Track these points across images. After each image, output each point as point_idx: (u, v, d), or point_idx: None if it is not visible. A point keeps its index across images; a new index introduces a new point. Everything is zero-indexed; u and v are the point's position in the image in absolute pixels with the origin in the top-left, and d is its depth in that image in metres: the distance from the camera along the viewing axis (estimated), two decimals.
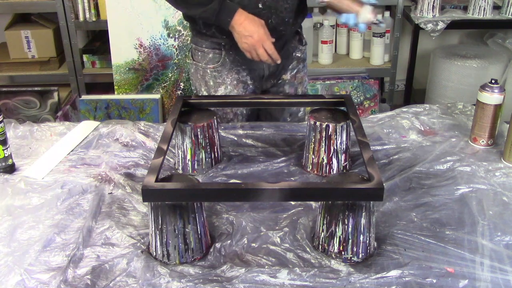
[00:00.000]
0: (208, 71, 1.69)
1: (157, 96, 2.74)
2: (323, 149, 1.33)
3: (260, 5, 1.54)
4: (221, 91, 1.70)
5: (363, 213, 1.03)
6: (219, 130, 1.46)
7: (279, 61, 1.55)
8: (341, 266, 1.03)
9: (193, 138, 1.35)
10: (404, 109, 1.69)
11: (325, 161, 1.34)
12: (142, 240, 1.11)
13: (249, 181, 1.32)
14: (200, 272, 1.02)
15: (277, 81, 1.76)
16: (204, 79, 1.71)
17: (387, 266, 1.03)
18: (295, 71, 1.77)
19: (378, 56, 3.00)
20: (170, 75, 2.74)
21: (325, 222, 1.06)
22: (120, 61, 2.70)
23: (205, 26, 1.61)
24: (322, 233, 1.07)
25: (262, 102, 1.51)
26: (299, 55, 1.76)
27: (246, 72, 1.69)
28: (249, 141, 1.51)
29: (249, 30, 1.49)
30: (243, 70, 1.68)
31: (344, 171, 1.36)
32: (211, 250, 1.08)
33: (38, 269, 1.03)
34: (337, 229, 1.04)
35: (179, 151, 1.38)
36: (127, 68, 2.71)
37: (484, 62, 2.99)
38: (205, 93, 1.73)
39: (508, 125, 1.39)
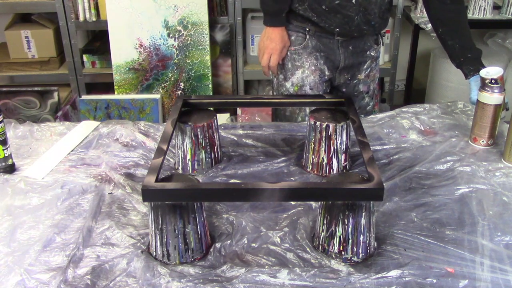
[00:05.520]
0: (288, 53, 1.77)
1: (157, 96, 2.74)
2: (323, 149, 1.33)
3: (353, 0, 1.61)
4: (298, 75, 1.77)
5: (363, 213, 1.03)
6: (219, 130, 1.46)
7: (269, 76, 1.83)
8: (341, 266, 1.03)
9: (193, 138, 1.35)
10: (404, 109, 1.69)
11: (325, 161, 1.34)
12: (142, 240, 1.11)
13: (249, 181, 1.32)
14: (200, 272, 1.02)
15: (352, 80, 1.83)
16: (283, 61, 1.78)
17: (387, 266, 1.03)
18: (368, 70, 1.84)
19: None
20: (170, 75, 2.74)
21: (325, 222, 1.06)
22: (120, 61, 2.71)
23: (299, 1, 1.68)
24: (322, 233, 1.07)
25: (262, 102, 1.51)
26: (373, 54, 1.83)
27: (323, 60, 1.76)
28: (249, 141, 1.51)
29: (273, 38, 1.72)
30: (321, 57, 1.76)
31: (344, 171, 1.36)
32: (211, 250, 1.08)
33: (38, 269, 1.03)
34: (337, 229, 1.04)
35: (179, 151, 1.38)
36: (127, 68, 2.71)
37: (484, 62, 2.98)
38: (281, 77, 1.81)
39: (508, 125, 1.39)
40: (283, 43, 1.74)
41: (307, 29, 1.73)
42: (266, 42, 1.74)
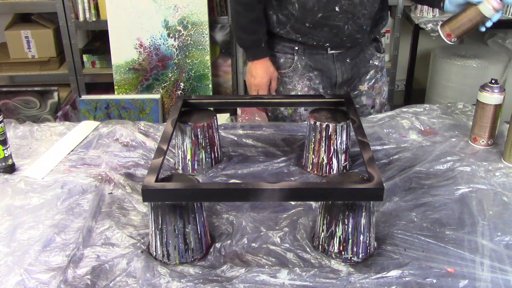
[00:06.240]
0: (279, 76, 1.69)
1: (157, 96, 2.74)
2: (323, 149, 1.33)
3: (337, 8, 1.53)
4: None
5: (363, 213, 1.03)
6: (219, 130, 1.46)
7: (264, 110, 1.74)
8: (341, 266, 1.03)
9: (193, 138, 1.35)
10: (404, 109, 1.69)
11: (325, 161, 1.34)
12: (142, 240, 1.11)
13: (249, 181, 1.32)
14: (200, 272, 1.02)
15: (352, 92, 1.72)
16: (279, 84, 1.71)
17: (387, 266, 1.03)
18: (372, 81, 1.73)
19: None
20: (170, 75, 2.74)
21: (325, 222, 1.06)
22: (120, 61, 2.71)
23: (279, 24, 1.61)
24: (322, 233, 1.07)
25: (262, 102, 1.51)
26: (376, 63, 1.72)
27: (318, 79, 1.67)
28: (249, 141, 1.51)
29: (256, 73, 1.65)
30: (315, 77, 1.67)
31: (344, 171, 1.36)
32: (211, 250, 1.08)
33: (38, 269, 1.03)
34: (337, 229, 1.04)
35: (179, 151, 1.38)
36: (127, 68, 2.71)
37: (484, 62, 2.99)
38: None
39: (508, 125, 1.39)
40: (267, 76, 1.65)
41: (295, 48, 1.64)
42: (250, 80, 1.68)
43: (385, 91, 1.80)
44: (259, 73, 1.66)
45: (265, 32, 1.64)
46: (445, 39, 1.47)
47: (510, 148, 1.37)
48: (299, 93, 1.69)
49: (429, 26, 2.83)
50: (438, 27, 1.48)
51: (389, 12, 1.74)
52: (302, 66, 1.67)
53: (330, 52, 1.64)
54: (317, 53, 1.65)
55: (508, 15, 2.91)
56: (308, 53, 1.65)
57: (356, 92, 1.74)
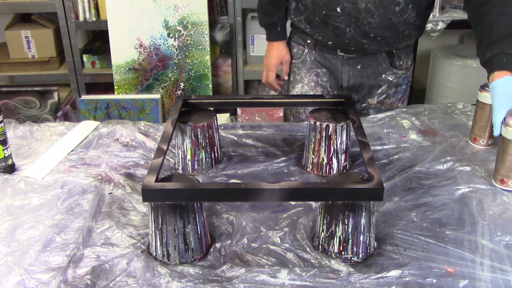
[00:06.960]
0: (291, 65, 1.74)
1: (157, 96, 2.74)
2: (323, 149, 1.33)
3: (338, 9, 1.50)
4: (297, 89, 1.73)
5: (363, 213, 1.03)
6: (219, 130, 1.46)
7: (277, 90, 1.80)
8: (341, 266, 1.03)
9: (193, 138, 1.35)
10: (404, 109, 1.69)
11: (325, 161, 1.34)
12: (142, 240, 1.11)
13: (249, 181, 1.32)
14: (200, 272, 1.02)
15: (361, 103, 1.70)
16: (288, 73, 1.77)
17: (387, 266, 1.03)
18: (383, 96, 1.69)
19: None
20: (170, 75, 2.74)
21: (325, 222, 1.06)
22: (120, 61, 2.71)
23: (295, 12, 1.64)
24: (322, 233, 1.07)
25: (262, 102, 1.51)
26: (390, 78, 1.66)
27: (326, 77, 1.68)
28: (249, 141, 1.51)
29: (269, 54, 1.73)
30: (322, 74, 1.68)
31: (344, 171, 1.36)
32: (211, 250, 1.08)
33: (38, 269, 1.03)
34: (337, 229, 1.04)
35: (179, 151, 1.38)
36: (127, 68, 2.71)
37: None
38: (285, 88, 1.80)
39: None
40: (278, 58, 1.69)
41: (308, 41, 1.66)
42: (264, 59, 1.75)
43: (399, 108, 1.74)
44: (270, 55, 1.72)
45: (283, 17, 1.68)
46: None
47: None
48: (305, 86, 1.72)
49: (429, 26, 2.82)
50: (493, 181, 1.29)
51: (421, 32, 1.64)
52: (310, 60, 1.69)
53: (339, 54, 1.64)
54: (328, 52, 1.66)
55: None
56: (319, 49, 1.66)
57: (364, 105, 1.72)
